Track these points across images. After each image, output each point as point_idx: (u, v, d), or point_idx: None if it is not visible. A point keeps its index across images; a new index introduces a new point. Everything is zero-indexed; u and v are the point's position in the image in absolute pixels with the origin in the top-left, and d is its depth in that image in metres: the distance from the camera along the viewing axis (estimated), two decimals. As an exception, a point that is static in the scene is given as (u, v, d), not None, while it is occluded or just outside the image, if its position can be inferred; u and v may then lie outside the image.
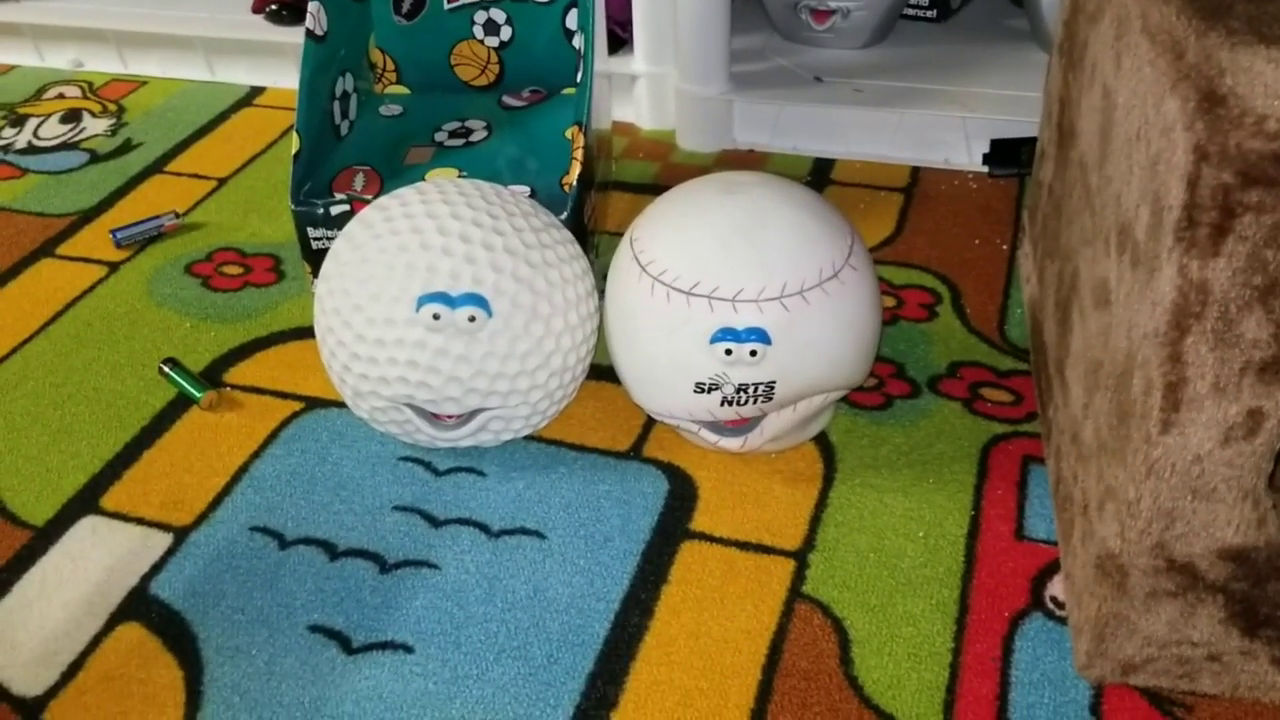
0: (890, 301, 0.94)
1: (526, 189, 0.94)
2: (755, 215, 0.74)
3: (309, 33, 0.98)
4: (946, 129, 1.11)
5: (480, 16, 1.07)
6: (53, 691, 0.67)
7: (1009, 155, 1.08)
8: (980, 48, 1.21)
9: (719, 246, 0.73)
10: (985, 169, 1.10)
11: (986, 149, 1.09)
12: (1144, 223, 0.57)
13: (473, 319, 0.75)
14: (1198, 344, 0.53)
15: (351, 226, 0.81)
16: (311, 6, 0.98)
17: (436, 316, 0.75)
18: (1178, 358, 0.53)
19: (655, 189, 1.12)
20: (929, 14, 1.25)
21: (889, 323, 0.92)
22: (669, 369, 0.75)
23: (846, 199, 1.08)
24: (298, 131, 0.96)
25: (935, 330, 0.91)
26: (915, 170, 1.12)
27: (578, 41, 1.05)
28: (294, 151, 0.95)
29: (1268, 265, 0.50)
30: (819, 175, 1.12)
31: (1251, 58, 0.51)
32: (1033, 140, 1.03)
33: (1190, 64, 0.53)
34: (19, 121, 1.30)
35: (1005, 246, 1.00)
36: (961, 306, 0.94)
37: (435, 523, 0.77)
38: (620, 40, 1.22)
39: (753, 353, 0.72)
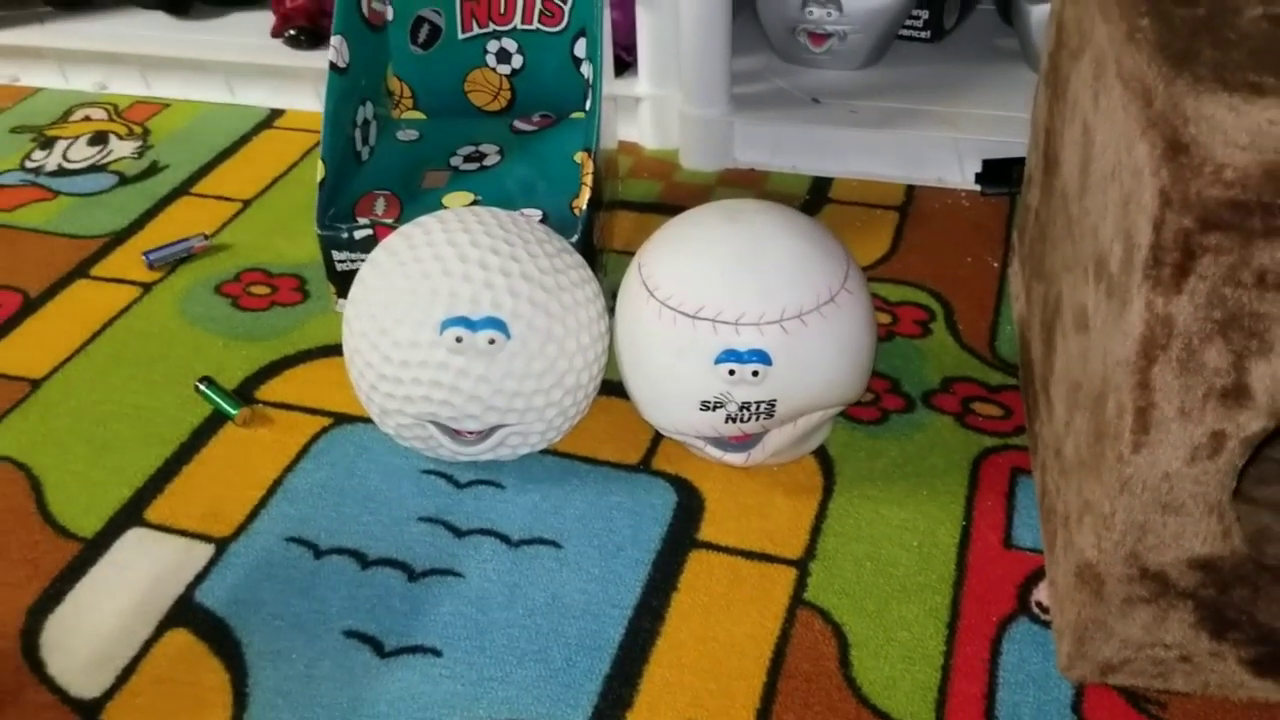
0: (886, 318, 0.99)
1: (538, 212, 0.99)
2: (756, 242, 0.79)
3: (332, 65, 1.03)
4: (940, 148, 1.16)
5: (493, 45, 1.12)
6: (109, 694, 0.72)
7: (1000, 174, 1.12)
8: (973, 68, 1.26)
9: (722, 273, 0.78)
10: (978, 188, 1.14)
11: (978, 168, 1.13)
12: (1117, 257, 0.62)
13: (492, 341, 0.80)
14: (1164, 372, 0.58)
15: (377, 254, 0.86)
16: (334, 40, 1.03)
17: (458, 340, 0.80)
18: (1146, 384, 0.58)
19: (659, 208, 1.17)
20: (923, 35, 1.30)
21: (885, 339, 0.97)
22: (676, 388, 0.80)
23: (844, 217, 1.13)
24: (323, 159, 1.01)
25: (929, 346, 0.96)
26: (910, 188, 1.17)
27: (586, 69, 1.10)
28: (319, 179, 1.00)
29: (1226, 301, 0.55)
30: (817, 194, 1.17)
31: (1214, 106, 0.55)
32: (1023, 160, 1.08)
33: (1158, 111, 0.58)
34: (48, 144, 1.35)
35: (996, 264, 1.05)
36: (954, 323, 0.99)
37: (458, 533, 0.82)
38: (625, 64, 1.27)
39: (755, 373, 0.77)
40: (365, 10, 1.07)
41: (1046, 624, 0.73)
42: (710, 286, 0.78)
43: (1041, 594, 0.75)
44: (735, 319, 0.76)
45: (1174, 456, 0.60)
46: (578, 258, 0.88)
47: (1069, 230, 0.76)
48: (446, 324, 0.80)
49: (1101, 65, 0.70)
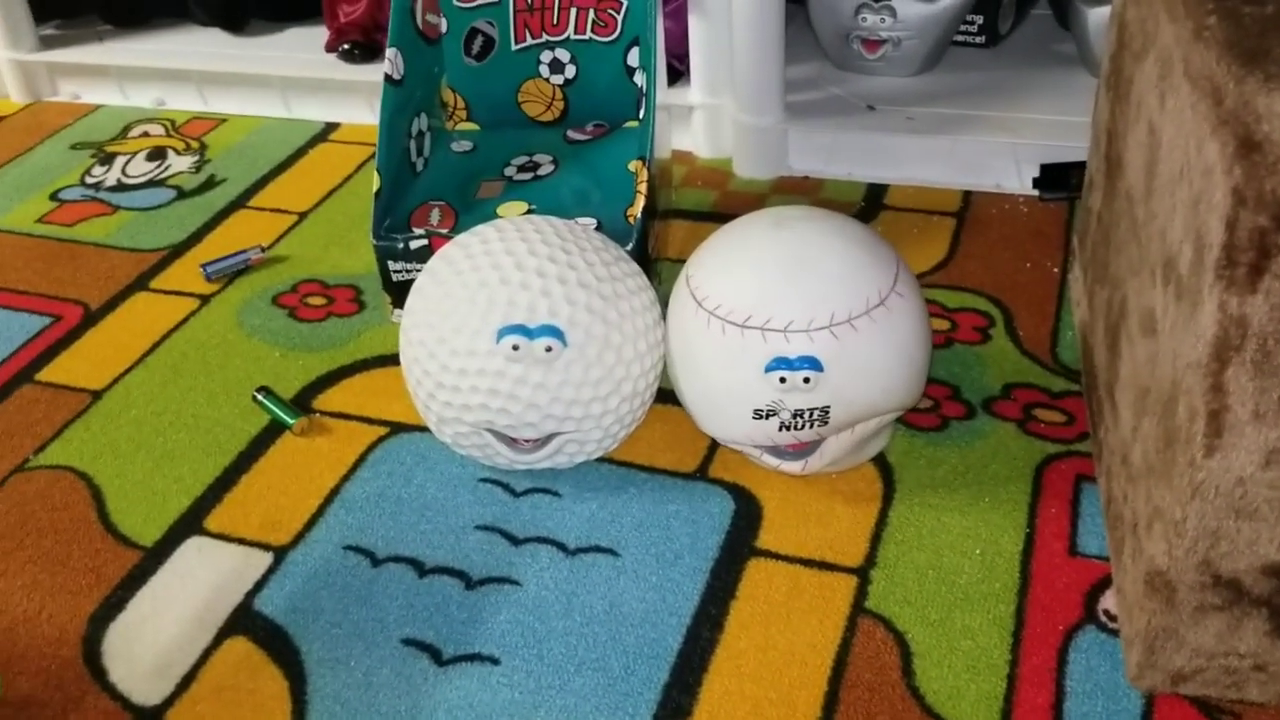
0: (944, 325, 0.98)
1: (593, 221, 0.99)
2: (803, 249, 0.78)
3: (387, 77, 1.04)
4: (997, 154, 1.14)
5: (546, 56, 1.12)
6: (169, 701, 0.73)
7: (1059, 179, 1.11)
8: (1029, 73, 1.24)
9: (769, 281, 0.78)
10: (1036, 193, 1.13)
11: (1036, 173, 1.12)
12: (1187, 258, 0.60)
13: (549, 349, 0.80)
14: (1238, 374, 0.56)
15: (434, 263, 0.86)
16: (389, 52, 1.04)
17: (516, 348, 0.80)
18: (1219, 387, 0.57)
19: (713, 216, 1.16)
20: (978, 40, 1.28)
21: (943, 346, 0.96)
22: (728, 397, 0.79)
23: (900, 224, 1.12)
24: (378, 171, 1.02)
25: (989, 353, 0.95)
26: (967, 195, 1.15)
27: (639, 78, 1.10)
28: (375, 190, 1.01)
29: (1303, 301, 0.54)
30: (872, 201, 1.16)
31: (1287, 103, 0.54)
32: (1082, 164, 1.07)
33: (1228, 110, 0.57)
34: (108, 160, 1.37)
35: (1056, 269, 1.04)
36: (1014, 329, 0.97)
37: (515, 541, 0.82)
38: (678, 73, 1.27)
39: (806, 380, 0.76)
40: (420, 23, 1.08)
41: (1115, 633, 0.71)
42: (758, 295, 0.77)
43: (1109, 602, 0.73)
44: (784, 326, 0.76)
45: (1248, 461, 0.58)
46: (633, 265, 0.88)
47: (1134, 233, 0.74)
48: (504, 332, 0.80)
49: (1168, 65, 0.69)
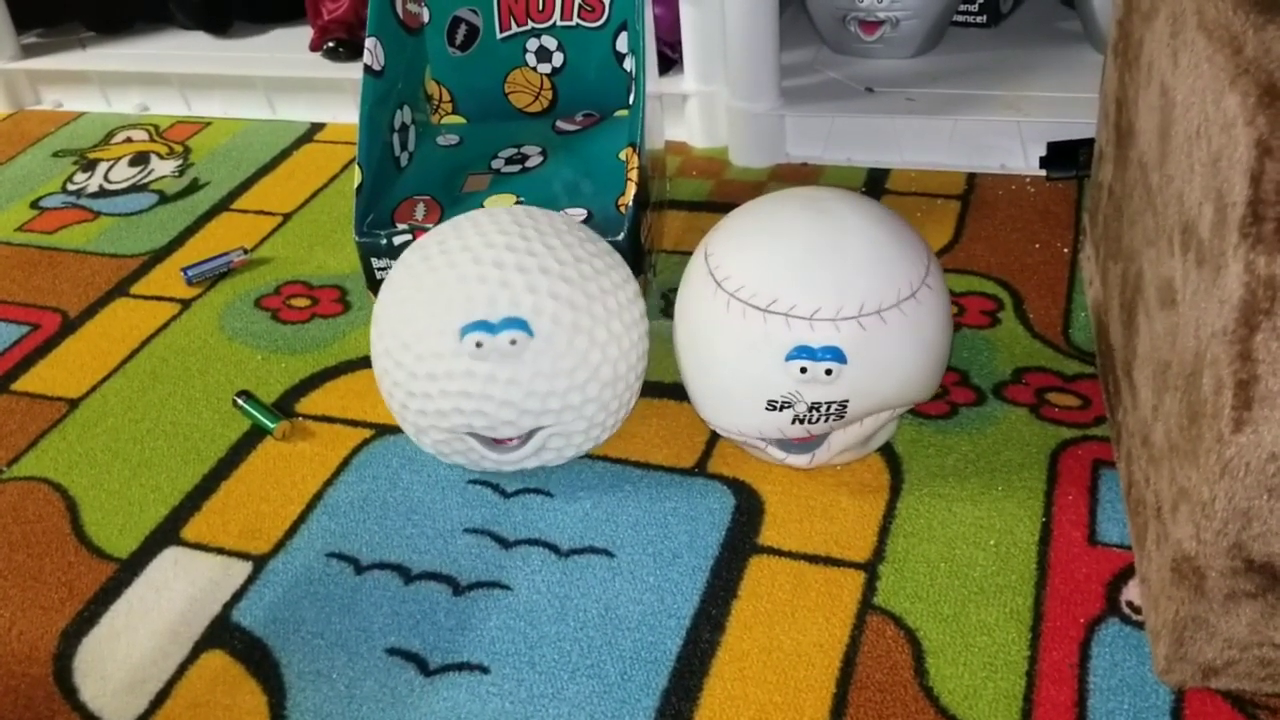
0: (952, 309, 0.94)
1: (583, 212, 0.95)
2: (835, 233, 0.74)
3: (367, 68, 1.00)
4: (1001, 134, 1.10)
5: (532, 44, 1.08)
6: (142, 719, 0.69)
7: (1066, 158, 1.07)
8: (1032, 51, 1.20)
9: (798, 264, 0.73)
10: (1042, 173, 1.09)
11: (1043, 152, 1.08)
12: (1208, 220, 0.56)
13: (514, 341, 0.76)
14: (1268, 340, 0.52)
15: (393, 270, 0.82)
16: (369, 42, 1.00)
17: (479, 344, 0.76)
18: (1248, 355, 0.53)
19: (710, 206, 1.13)
20: (979, 19, 1.25)
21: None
22: (741, 386, 0.75)
23: (903, 208, 1.08)
24: (359, 165, 0.98)
25: (999, 337, 0.91)
26: (971, 177, 1.11)
27: (628, 64, 1.06)
28: (356, 185, 0.97)
29: (1336, 258, 0.50)
30: (873, 186, 1.12)
31: (1311, 49, 0.50)
32: (1090, 142, 1.03)
33: (1249, 58, 0.53)
34: (90, 166, 1.34)
35: (1066, 250, 1.00)
36: (1024, 312, 0.93)
37: (505, 544, 0.78)
38: (670, 60, 1.23)
39: (828, 371, 0.72)
40: (400, 12, 1.05)
41: (1140, 625, 0.67)
42: (784, 278, 0.72)
43: (1132, 593, 0.69)
44: (810, 314, 0.71)
45: (1281, 434, 0.54)
46: (603, 244, 0.84)
47: (1149, 202, 0.70)
48: (466, 330, 0.76)
49: (1180, 21, 0.65)
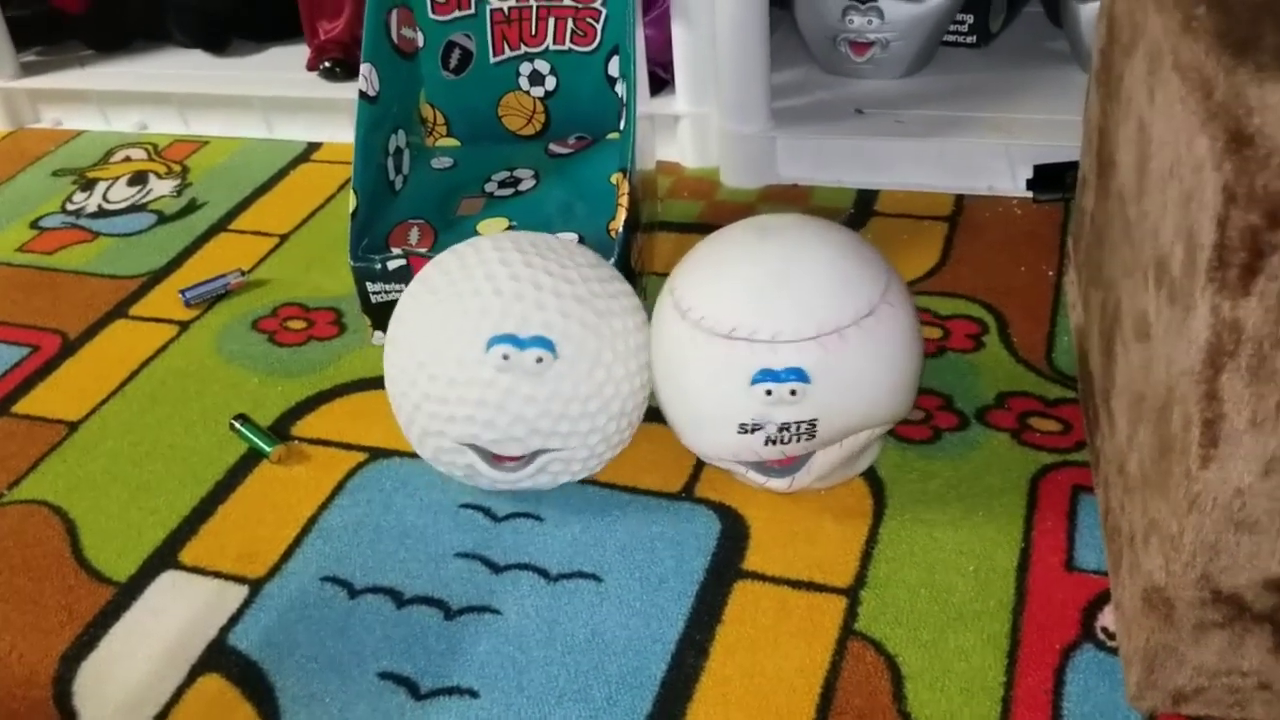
0: (936, 333, 0.95)
1: (574, 236, 0.97)
2: (790, 257, 0.76)
3: (362, 94, 1.02)
4: (989, 156, 1.12)
5: (525, 68, 1.10)
6: (139, 743, 0.70)
7: (1053, 180, 1.08)
8: (1021, 71, 1.22)
9: (755, 290, 0.75)
10: (1029, 194, 1.10)
11: (1030, 175, 1.09)
12: (1179, 259, 0.58)
13: (540, 359, 0.78)
14: (1233, 381, 0.54)
15: (429, 270, 0.84)
16: (364, 68, 1.02)
17: (506, 357, 0.77)
18: (1214, 395, 0.54)
19: (700, 228, 1.14)
20: (969, 40, 1.26)
21: (936, 355, 0.93)
22: (713, 411, 0.77)
23: (890, 230, 1.10)
24: (355, 190, 1.00)
25: (982, 361, 0.92)
26: (959, 198, 1.13)
27: (620, 88, 1.07)
28: (351, 210, 0.99)
29: (1298, 303, 0.51)
30: (863, 207, 1.14)
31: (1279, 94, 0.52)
32: (1076, 164, 1.04)
33: (1219, 102, 0.54)
34: (89, 186, 1.35)
35: (1051, 273, 1.01)
36: (1008, 335, 0.94)
37: (496, 568, 0.79)
38: (663, 81, 1.25)
39: (793, 392, 0.73)
40: (395, 37, 1.06)
41: (1114, 651, 0.69)
42: (743, 305, 0.75)
43: (1107, 619, 0.71)
44: (770, 337, 0.73)
45: (1246, 470, 0.55)
46: (625, 284, 0.86)
47: (1127, 234, 0.72)
48: (494, 341, 0.78)
49: (1156, 59, 0.66)
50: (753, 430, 0.76)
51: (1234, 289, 0.52)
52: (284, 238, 1.21)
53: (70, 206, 1.32)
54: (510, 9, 1.07)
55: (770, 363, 0.73)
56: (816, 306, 0.74)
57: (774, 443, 0.76)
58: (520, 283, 0.79)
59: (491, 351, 0.77)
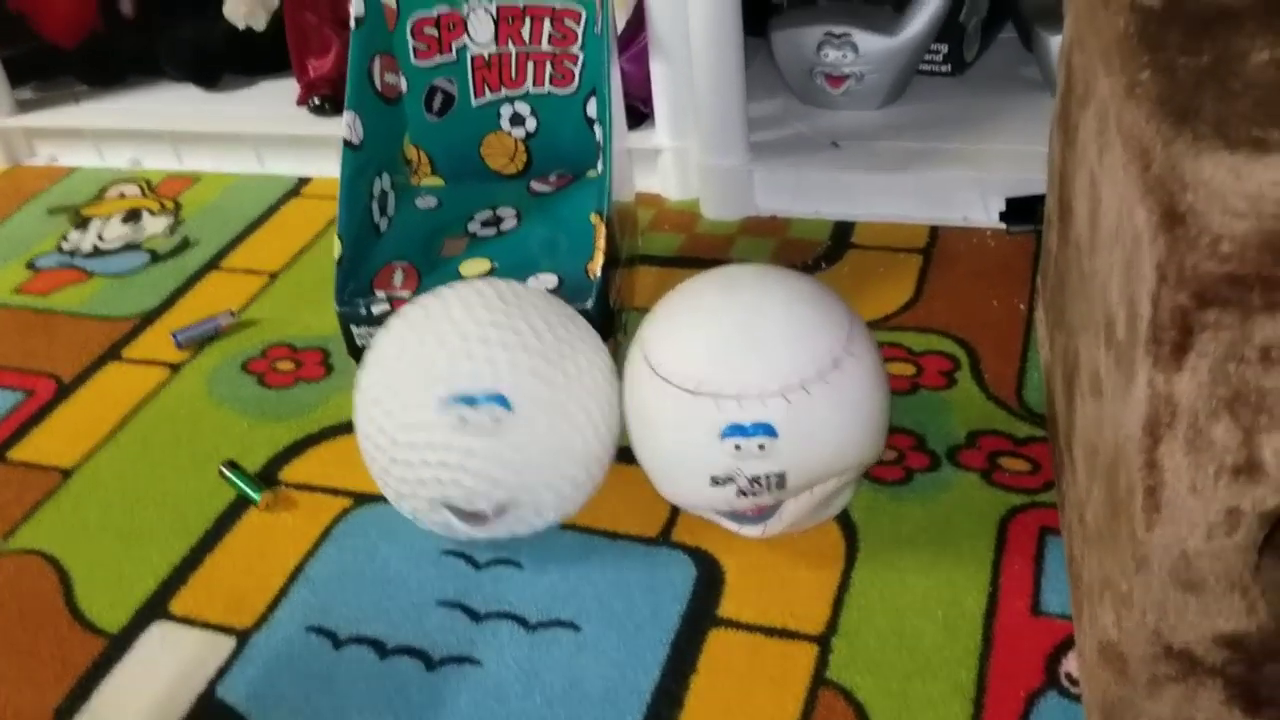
0: (909, 369, 0.97)
1: (554, 278, 0.98)
2: (752, 312, 0.78)
3: (346, 142, 1.04)
4: (964, 186, 1.13)
5: (506, 110, 1.12)
6: (130, 799, 0.73)
7: (1025, 212, 1.10)
8: (997, 100, 1.23)
9: (719, 345, 0.77)
10: (1003, 225, 1.12)
11: (1003, 207, 1.11)
12: (1123, 324, 0.59)
13: (496, 418, 0.79)
14: (1171, 450, 0.55)
15: (379, 336, 0.86)
16: (347, 116, 1.04)
17: (462, 418, 0.79)
18: (1154, 464, 0.56)
19: (680, 261, 1.16)
20: (944, 69, 1.27)
21: (909, 392, 0.95)
22: (684, 464, 0.79)
23: (866, 263, 1.11)
24: (339, 236, 1.02)
25: (954, 398, 0.94)
26: (934, 230, 1.14)
27: (599, 130, 1.09)
28: (336, 257, 1.01)
29: (1230, 377, 0.53)
30: (839, 239, 1.15)
31: (1214, 167, 0.53)
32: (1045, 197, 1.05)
33: (1155, 176, 0.55)
34: (83, 224, 1.38)
35: (1023, 306, 1.02)
36: (980, 371, 0.96)
37: (476, 617, 0.81)
38: (643, 115, 1.27)
39: (761, 446, 0.75)
40: (378, 84, 1.08)
41: (1077, 697, 0.70)
42: (708, 361, 0.77)
43: (1071, 664, 0.72)
44: (736, 393, 0.75)
45: (1189, 534, 0.57)
46: (583, 324, 0.87)
47: (1083, 286, 0.73)
48: (449, 402, 0.79)
49: (1104, 119, 0.68)
50: (724, 483, 0.77)
51: (1167, 364, 0.53)
52: (274, 276, 1.23)
53: (65, 245, 1.34)
54: (490, 55, 1.09)
55: (737, 418, 0.75)
56: (780, 361, 0.76)
57: (746, 494, 0.78)
58: (468, 340, 0.81)
59: (447, 413, 0.79)
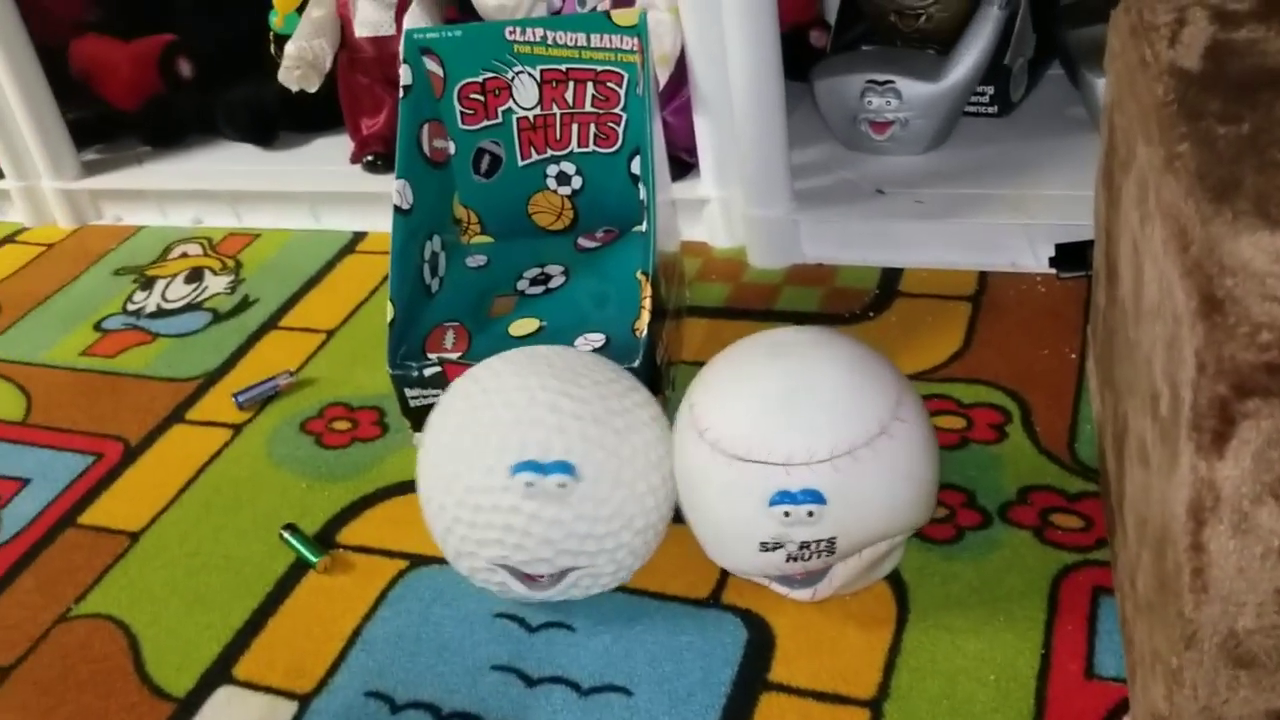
0: (960, 423, 0.97)
1: (602, 336, 1.00)
2: (800, 378, 0.78)
3: (396, 208, 1.06)
4: (1011, 232, 1.13)
5: (552, 169, 1.13)
6: None
7: (1076, 257, 1.09)
8: (1044, 141, 1.23)
9: (767, 412, 0.77)
10: (1053, 271, 1.11)
11: (1052, 252, 1.10)
12: (1166, 402, 0.59)
13: (563, 485, 0.81)
14: (1216, 534, 0.55)
15: (448, 397, 0.88)
16: (397, 184, 1.06)
17: (530, 484, 0.81)
18: (1199, 546, 0.56)
19: (728, 313, 1.17)
20: (990, 110, 1.27)
21: (958, 446, 0.95)
22: (733, 530, 0.79)
23: (915, 311, 1.11)
24: (391, 300, 1.04)
25: (1005, 452, 0.93)
26: (983, 276, 1.14)
27: (642, 190, 1.10)
28: (389, 320, 1.03)
29: (1274, 464, 0.52)
30: (887, 286, 1.16)
31: (1253, 250, 0.53)
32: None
33: (1193, 258, 0.55)
34: (149, 284, 1.42)
35: (1074, 355, 1.02)
36: (1031, 424, 0.96)
37: (530, 682, 0.82)
38: (688, 166, 1.28)
39: (810, 513, 0.76)
40: (427, 150, 1.10)
41: (1132, 766, 0.70)
42: (756, 427, 0.77)
43: (1126, 731, 0.72)
44: (784, 460, 0.76)
45: (1239, 614, 0.57)
46: (645, 394, 0.88)
47: (1129, 352, 0.73)
48: (517, 469, 0.81)
49: (1144, 189, 0.67)
50: (773, 548, 0.78)
51: (1208, 451, 0.53)
52: (330, 334, 1.26)
53: (131, 306, 1.38)
54: (535, 117, 1.11)
55: (785, 485, 0.76)
56: (828, 428, 0.76)
57: (795, 560, 0.78)
58: (537, 407, 0.83)
59: (515, 479, 0.81)
